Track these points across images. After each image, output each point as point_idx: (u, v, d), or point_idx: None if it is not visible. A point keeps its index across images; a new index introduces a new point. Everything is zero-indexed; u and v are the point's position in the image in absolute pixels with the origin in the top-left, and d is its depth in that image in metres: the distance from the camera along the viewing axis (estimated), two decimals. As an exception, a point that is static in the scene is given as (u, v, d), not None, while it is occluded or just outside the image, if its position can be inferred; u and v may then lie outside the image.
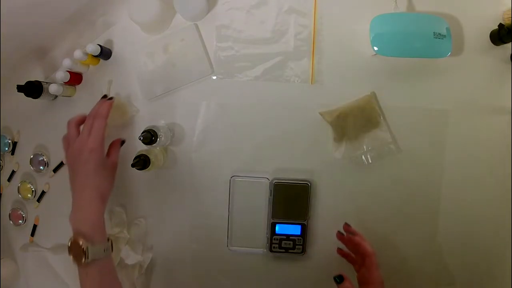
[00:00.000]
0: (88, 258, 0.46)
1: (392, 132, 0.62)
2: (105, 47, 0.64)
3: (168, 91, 0.65)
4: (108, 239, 0.52)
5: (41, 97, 0.63)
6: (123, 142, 0.62)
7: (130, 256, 0.65)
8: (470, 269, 0.63)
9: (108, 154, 0.59)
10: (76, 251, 0.47)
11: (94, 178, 0.53)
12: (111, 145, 0.60)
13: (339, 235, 0.62)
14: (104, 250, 0.49)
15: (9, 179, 0.71)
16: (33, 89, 0.62)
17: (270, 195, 0.62)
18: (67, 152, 0.56)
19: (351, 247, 0.59)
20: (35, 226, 0.70)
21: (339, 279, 0.51)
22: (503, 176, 0.62)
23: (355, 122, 0.61)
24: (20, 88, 0.61)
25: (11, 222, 0.71)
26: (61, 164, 0.68)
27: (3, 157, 0.72)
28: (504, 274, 0.63)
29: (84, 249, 0.47)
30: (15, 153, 0.71)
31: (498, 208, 0.62)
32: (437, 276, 0.64)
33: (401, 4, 0.61)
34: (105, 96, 0.60)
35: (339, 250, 0.62)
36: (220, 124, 0.64)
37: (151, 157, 0.58)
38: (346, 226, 0.61)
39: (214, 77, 0.64)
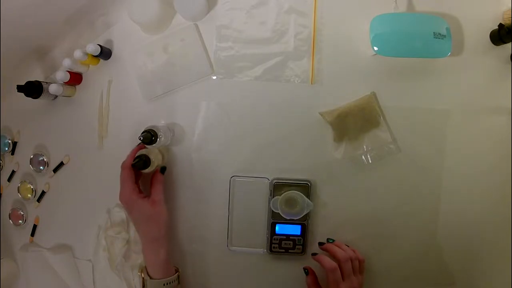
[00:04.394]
0: None
1: (392, 132, 0.62)
2: (105, 47, 0.64)
3: (168, 91, 0.65)
4: (176, 272, 0.59)
5: (41, 97, 0.63)
6: (163, 170, 0.62)
7: (130, 256, 0.65)
8: (470, 269, 0.63)
9: (150, 192, 0.59)
10: (141, 282, 0.57)
11: (139, 226, 0.58)
12: (151, 182, 0.60)
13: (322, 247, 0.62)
14: (164, 284, 0.56)
15: (9, 179, 0.71)
16: (33, 89, 0.62)
17: (270, 195, 0.62)
18: None
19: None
20: (35, 226, 0.70)
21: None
22: (503, 176, 0.62)
23: (355, 122, 0.61)
24: (20, 88, 0.61)
25: (11, 222, 0.71)
26: (61, 164, 0.69)
27: (3, 157, 0.72)
28: (504, 274, 0.63)
29: (144, 282, 0.57)
30: (15, 153, 0.71)
31: (498, 208, 0.62)
32: (437, 276, 0.64)
33: (401, 4, 0.61)
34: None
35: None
36: (220, 124, 0.64)
37: (151, 157, 0.58)
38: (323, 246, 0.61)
39: (214, 77, 0.64)
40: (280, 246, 0.63)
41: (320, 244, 0.61)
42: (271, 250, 0.63)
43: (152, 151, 0.60)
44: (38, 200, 0.70)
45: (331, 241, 0.62)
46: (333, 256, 0.58)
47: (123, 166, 0.58)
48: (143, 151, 0.59)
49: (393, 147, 0.62)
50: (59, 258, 0.68)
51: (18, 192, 0.70)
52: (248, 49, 0.64)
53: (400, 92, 0.62)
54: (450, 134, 0.62)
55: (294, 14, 0.63)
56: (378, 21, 0.57)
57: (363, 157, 0.63)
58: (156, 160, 0.59)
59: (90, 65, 0.67)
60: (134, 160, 0.57)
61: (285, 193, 0.60)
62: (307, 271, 0.61)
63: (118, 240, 0.65)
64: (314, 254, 0.59)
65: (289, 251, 0.63)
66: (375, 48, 0.56)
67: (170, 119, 0.65)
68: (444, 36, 0.56)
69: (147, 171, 0.58)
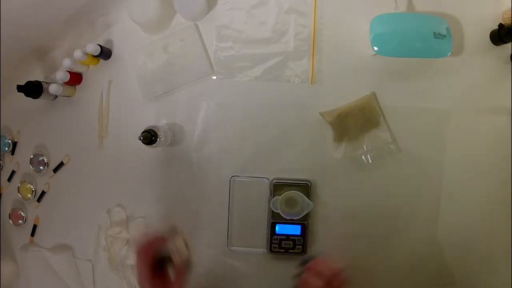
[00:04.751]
0: None
1: (392, 132, 0.62)
2: (105, 47, 0.64)
3: (168, 91, 0.65)
4: None
5: (41, 97, 0.63)
6: (187, 265, 0.53)
7: (130, 256, 0.65)
8: (470, 269, 0.63)
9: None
10: None
11: None
12: (174, 271, 0.52)
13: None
14: None
15: (9, 179, 0.71)
16: (33, 89, 0.62)
17: (270, 195, 0.62)
18: None
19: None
20: (35, 226, 0.70)
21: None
22: (503, 176, 0.62)
23: (355, 122, 0.61)
24: (20, 88, 0.61)
25: (11, 222, 0.71)
26: (61, 164, 0.69)
27: (3, 157, 0.72)
28: (504, 274, 0.63)
29: None
30: (15, 153, 0.71)
31: (498, 208, 0.62)
32: (437, 276, 0.64)
33: (401, 4, 0.61)
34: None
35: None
36: (220, 124, 0.64)
37: (173, 254, 0.51)
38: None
39: (214, 77, 0.64)
40: (280, 246, 0.63)
41: (302, 263, 0.54)
42: (271, 250, 0.63)
43: (176, 244, 0.52)
44: (38, 200, 0.70)
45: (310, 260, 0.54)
46: (320, 274, 0.50)
47: (138, 254, 0.49)
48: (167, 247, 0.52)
49: (393, 147, 0.62)
50: (59, 258, 0.68)
51: (18, 192, 0.70)
52: (248, 49, 0.64)
53: (400, 92, 0.62)
54: (450, 134, 0.62)
55: (294, 14, 0.63)
56: (378, 21, 0.57)
57: (363, 157, 0.62)
58: (178, 254, 0.52)
59: (90, 65, 0.67)
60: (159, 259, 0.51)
61: (285, 193, 0.60)
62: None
63: (118, 240, 0.65)
64: (298, 275, 0.53)
65: (289, 251, 0.63)
66: (375, 48, 0.56)
67: (170, 119, 0.65)
68: (444, 36, 0.56)
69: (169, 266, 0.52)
